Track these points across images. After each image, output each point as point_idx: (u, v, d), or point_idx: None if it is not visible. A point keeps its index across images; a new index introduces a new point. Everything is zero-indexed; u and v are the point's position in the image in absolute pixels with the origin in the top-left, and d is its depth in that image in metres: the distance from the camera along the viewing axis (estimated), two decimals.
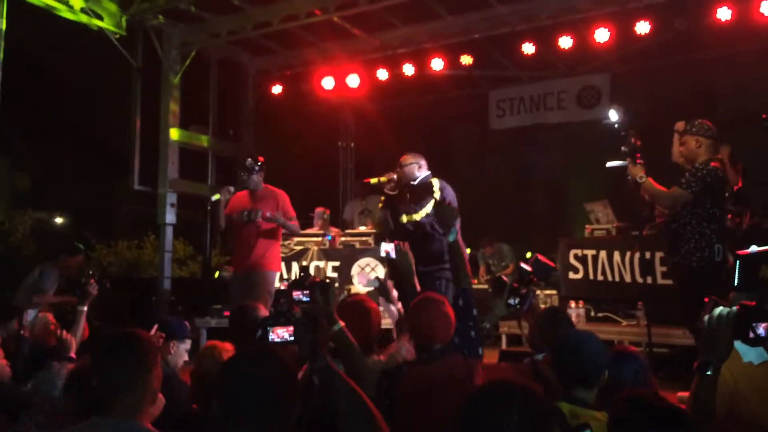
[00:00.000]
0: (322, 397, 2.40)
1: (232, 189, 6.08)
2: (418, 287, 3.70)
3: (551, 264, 3.82)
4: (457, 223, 5.06)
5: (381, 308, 3.76)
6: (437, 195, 5.03)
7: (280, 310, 2.51)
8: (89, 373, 2.56)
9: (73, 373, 3.22)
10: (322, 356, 2.06)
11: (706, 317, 2.05)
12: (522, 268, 3.59)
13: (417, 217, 5.08)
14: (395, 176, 5.25)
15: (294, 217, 6.16)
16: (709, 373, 1.99)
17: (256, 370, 1.80)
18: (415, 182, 5.23)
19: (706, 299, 2.09)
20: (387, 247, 3.75)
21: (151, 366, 2.19)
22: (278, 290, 2.67)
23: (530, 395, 1.60)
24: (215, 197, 6.02)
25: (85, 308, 4.16)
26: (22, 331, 4.35)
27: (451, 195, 5.08)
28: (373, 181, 5.39)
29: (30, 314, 5.17)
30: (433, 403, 2.70)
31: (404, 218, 5.16)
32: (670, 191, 4.45)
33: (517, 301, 3.53)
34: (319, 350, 2.07)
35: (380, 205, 5.46)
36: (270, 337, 2.30)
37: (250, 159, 6.22)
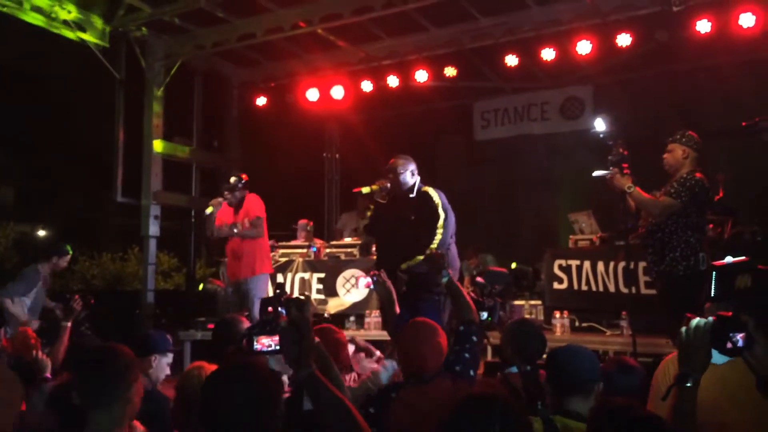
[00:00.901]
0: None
1: (220, 200, 6.31)
2: (398, 310, 3.71)
3: (503, 270, 3.88)
4: (452, 239, 5.01)
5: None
6: (441, 214, 4.84)
7: (266, 319, 2.50)
8: (70, 388, 2.54)
9: (54, 389, 3.19)
10: (308, 365, 2.04)
11: (683, 329, 2.06)
12: (477, 282, 3.66)
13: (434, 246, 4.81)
14: (388, 184, 4.97)
15: (257, 217, 6.35)
16: (688, 384, 1.99)
17: (236, 385, 1.79)
18: (412, 192, 4.98)
19: (688, 314, 2.10)
20: (365, 281, 3.75)
21: (132, 381, 2.18)
22: (264, 299, 2.65)
23: (511, 409, 1.60)
24: (208, 210, 6.25)
25: (69, 324, 4.12)
26: (1, 344, 4.29)
27: (448, 208, 4.92)
28: (365, 190, 5.02)
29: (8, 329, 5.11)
30: (424, 430, 2.67)
31: (404, 266, 4.85)
32: (660, 200, 4.50)
33: (486, 315, 3.57)
34: (305, 360, 2.05)
35: (369, 213, 5.23)
36: (255, 347, 2.29)
37: (234, 177, 6.42)
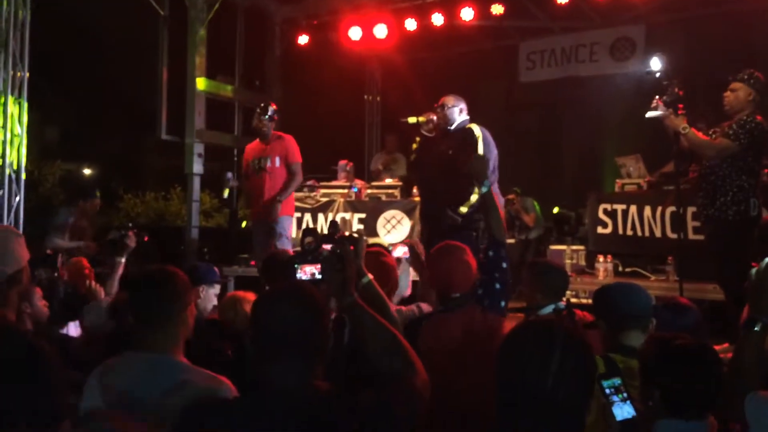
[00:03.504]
0: (352, 337, 2.41)
1: (230, 175, 6.42)
2: None
3: None
4: (494, 174, 4.95)
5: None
6: (480, 147, 4.81)
7: (307, 248, 2.51)
8: (124, 308, 2.61)
9: (109, 307, 3.29)
10: (350, 293, 2.05)
11: (753, 271, 2.00)
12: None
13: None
14: (434, 117, 5.02)
15: (298, 163, 6.26)
16: (756, 329, 1.95)
17: (287, 305, 1.80)
18: (452, 127, 5.02)
19: (754, 264, 2.04)
20: (402, 249, 3.70)
21: (187, 302, 2.22)
22: (305, 229, 2.66)
23: (573, 335, 1.58)
24: (225, 193, 6.43)
25: (123, 260, 4.18)
26: (55, 273, 4.41)
27: (491, 143, 4.91)
28: (411, 120, 5.13)
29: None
30: (453, 355, 2.68)
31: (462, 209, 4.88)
32: (716, 141, 4.36)
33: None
34: (348, 287, 2.06)
35: (414, 146, 5.23)
36: (298, 275, 2.30)
37: (262, 104, 6.28)
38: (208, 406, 1.79)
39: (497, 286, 3.02)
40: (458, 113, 5.04)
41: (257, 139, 6.37)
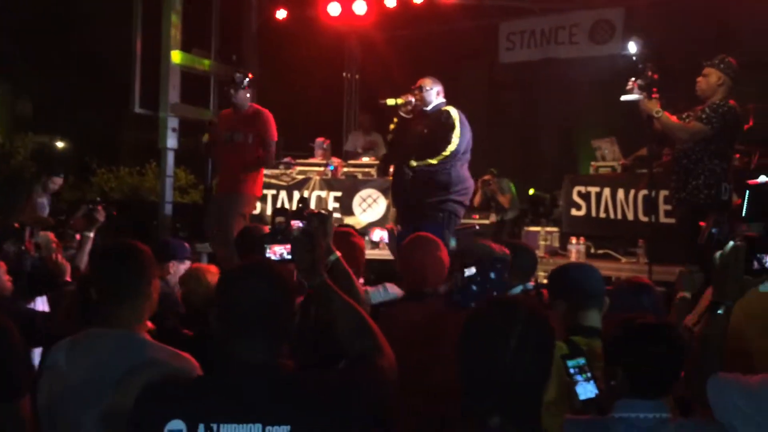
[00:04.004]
0: (319, 316, 2.40)
1: (216, 120, 6.10)
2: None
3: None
4: (465, 155, 5.00)
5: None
6: (457, 129, 4.89)
7: (278, 228, 2.49)
8: (88, 284, 2.57)
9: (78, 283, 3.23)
10: (320, 273, 2.04)
11: (717, 254, 2.02)
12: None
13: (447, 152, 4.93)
14: (413, 99, 5.09)
15: (273, 142, 6.00)
16: (719, 312, 1.97)
17: (254, 282, 1.79)
18: (428, 108, 5.10)
19: (701, 222, 2.07)
20: (381, 234, 3.66)
21: (152, 277, 2.19)
22: (276, 209, 2.64)
23: (536, 312, 1.59)
24: (205, 138, 6.01)
25: (92, 234, 4.13)
26: (23, 247, 4.34)
27: (466, 125, 4.98)
28: (390, 102, 5.18)
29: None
30: (407, 344, 2.63)
31: (413, 163, 5.00)
32: (689, 125, 4.39)
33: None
34: (317, 268, 2.05)
35: (392, 126, 5.31)
36: (267, 255, 2.29)
37: (238, 74, 6.10)
38: (171, 385, 1.77)
39: (473, 288, 2.78)
40: (435, 95, 5.12)
41: (230, 110, 6.11)
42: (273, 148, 6.06)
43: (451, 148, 4.90)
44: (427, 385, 2.47)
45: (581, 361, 2.07)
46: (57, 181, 6.64)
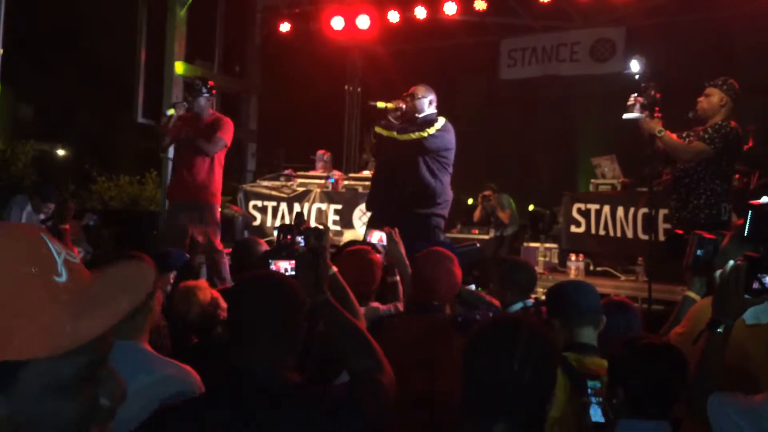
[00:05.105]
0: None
1: (184, 103, 5.81)
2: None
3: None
4: (449, 168, 4.95)
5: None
6: (433, 128, 4.81)
7: (282, 244, 2.50)
8: None
9: None
10: (323, 291, 2.05)
11: (717, 273, 2.03)
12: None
13: (415, 135, 4.81)
14: (403, 106, 4.95)
15: (218, 139, 5.67)
16: (719, 330, 1.98)
17: (265, 294, 1.79)
18: (420, 116, 4.96)
19: (677, 231, 2.08)
20: (379, 235, 3.63)
21: (155, 288, 2.19)
22: (281, 226, 2.66)
23: (537, 330, 1.60)
24: (170, 111, 5.68)
25: (67, 226, 4.08)
26: None
27: (451, 134, 4.89)
28: (380, 105, 5.03)
29: None
30: (413, 356, 2.63)
31: (395, 135, 4.89)
32: (692, 145, 4.42)
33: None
34: (321, 285, 2.06)
35: (378, 129, 5.10)
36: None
37: (198, 81, 6.01)
38: (176, 410, 1.75)
39: (477, 316, 2.89)
40: (428, 105, 4.98)
41: (190, 115, 5.82)
42: (221, 144, 5.73)
43: (430, 131, 4.81)
44: (429, 395, 2.47)
45: (598, 384, 2.09)
46: (50, 207, 6.53)
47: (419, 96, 4.95)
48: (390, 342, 2.70)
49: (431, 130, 4.83)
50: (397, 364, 2.39)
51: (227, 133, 5.75)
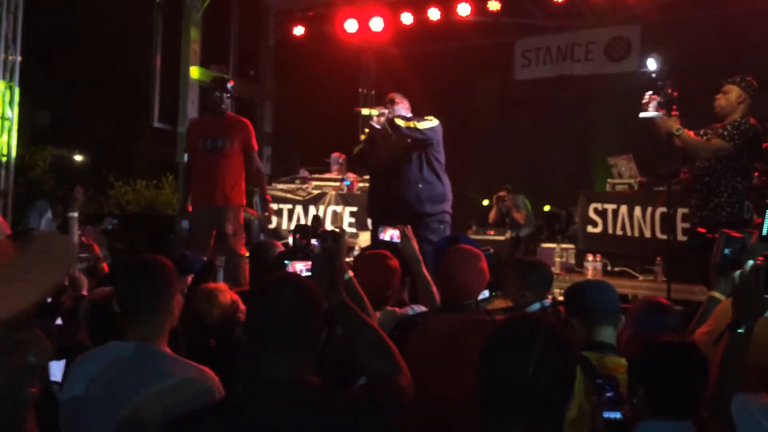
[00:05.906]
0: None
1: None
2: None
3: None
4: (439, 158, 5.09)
5: None
6: (424, 123, 5.01)
7: (298, 245, 2.50)
8: (109, 299, 2.59)
9: (92, 302, 3.24)
10: (339, 292, 2.05)
11: (737, 273, 2.01)
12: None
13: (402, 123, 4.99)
14: (386, 111, 5.14)
15: (256, 151, 5.78)
16: (740, 331, 1.96)
17: (286, 296, 1.79)
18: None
19: (699, 229, 2.06)
20: (391, 232, 3.61)
21: (174, 292, 2.20)
22: (297, 226, 2.66)
23: (554, 329, 1.60)
24: (372, 111, 5.38)
25: (76, 214, 4.09)
26: None
27: (438, 131, 5.09)
28: (365, 111, 5.36)
29: None
30: (448, 354, 2.64)
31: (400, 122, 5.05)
32: (711, 142, 4.37)
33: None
34: (337, 286, 2.06)
35: (363, 136, 5.39)
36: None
37: (219, 78, 6.04)
38: (199, 416, 1.75)
39: None
40: (405, 111, 5.23)
41: (207, 117, 5.83)
42: (259, 159, 5.85)
43: (429, 125, 5.03)
44: (468, 390, 2.47)
45: (617, 383, 2.07)
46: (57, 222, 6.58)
47: (398, 102, 5.21)
48: (424, 341, 2.73)
49: (432, 119, 5.08)
50: (433, 362, 2.39)
51: (255, 141, 5.78)
